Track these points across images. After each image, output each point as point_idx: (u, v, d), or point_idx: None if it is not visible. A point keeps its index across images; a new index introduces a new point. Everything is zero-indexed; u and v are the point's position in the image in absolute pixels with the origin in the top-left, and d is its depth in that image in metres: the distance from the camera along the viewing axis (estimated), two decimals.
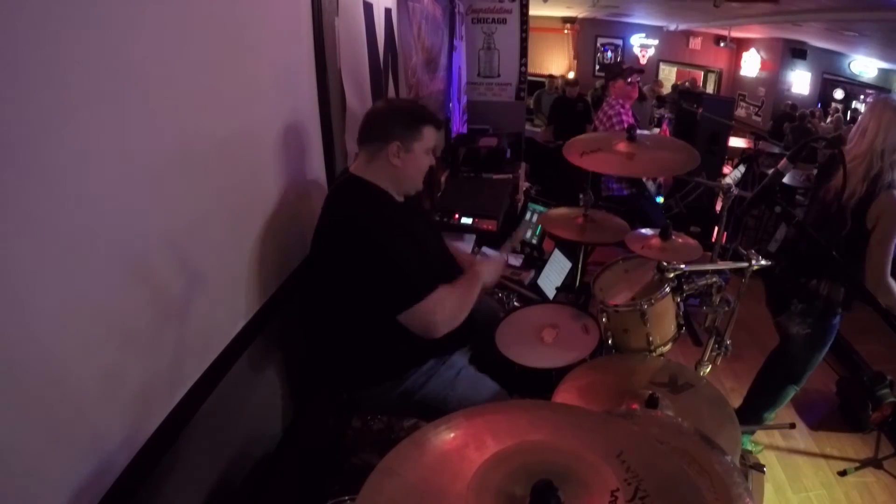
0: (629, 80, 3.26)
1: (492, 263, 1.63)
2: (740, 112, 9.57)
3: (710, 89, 10.39)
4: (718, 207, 3.81)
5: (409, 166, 1.44)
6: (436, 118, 1.48)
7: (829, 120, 7.58)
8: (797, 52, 8.59)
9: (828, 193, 1.83)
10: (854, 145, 1.74)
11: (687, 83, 9.64)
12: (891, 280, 1.72)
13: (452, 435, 0.77)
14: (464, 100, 4.77)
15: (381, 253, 1.33)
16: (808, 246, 1.86)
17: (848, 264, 1.70)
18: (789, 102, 8.46)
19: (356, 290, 1.37)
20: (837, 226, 1.75)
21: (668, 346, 1.61)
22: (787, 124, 7.23)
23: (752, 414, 2.22)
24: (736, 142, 5.82)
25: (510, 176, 3.47)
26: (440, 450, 0.75)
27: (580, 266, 2.33)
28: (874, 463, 2.22)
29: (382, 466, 0.71)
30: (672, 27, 10.50)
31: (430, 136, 1.46)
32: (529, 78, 5.43)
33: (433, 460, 0.73)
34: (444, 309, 1.38)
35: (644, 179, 3.36)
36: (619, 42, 11.17)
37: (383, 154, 1.41)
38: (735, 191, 1.95)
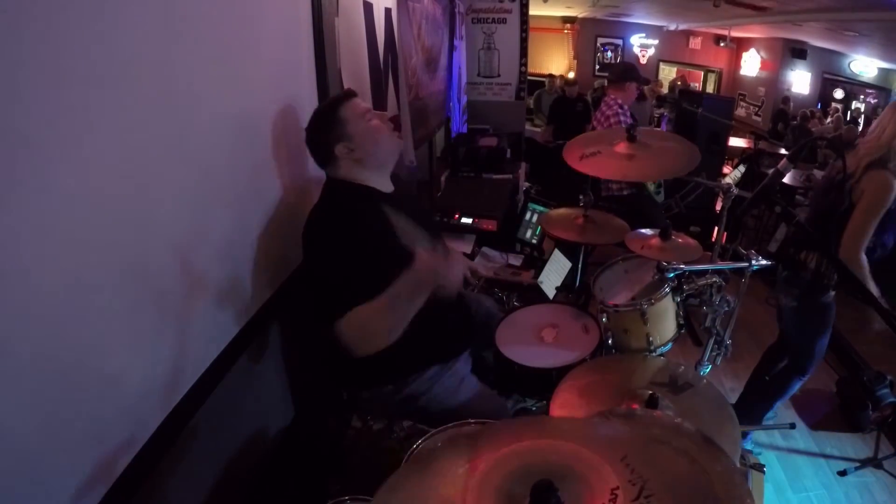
0: (639, 87, 3.30)
1: (431, 264, 1.23)
2: (740, 112, 9.56)
3: (710, 89, 10.38)
4: (718, 207, 3.81)
5: (364, 143, 1.38)
6: (340, 94, 1.44)
7: (828, 120, 7.58)
8: (797, 51, 8.58)
9: (832, 170, 1.96)
10: (872, 139, 1.80)
11: (679, 81, 9.62)
12: (864, 255, 1.76)
13: (457, 460, 0.77)
14: (464, 99, 4.77)
15: (333, 256, 1.29)
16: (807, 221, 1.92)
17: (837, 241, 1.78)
18: (784, 96, 8.45)
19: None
20: (836, 200, 1.82)
21: (668, 346, 1.61)
22: (782, 124, 7.23)
23: (749, 413, 2.21)
24: (736, 142, 5.83)
25: (510, 176, 3.47)
26: (442, 470, 0.75)
27: (580, 266, 2.33)
28: (874, 463, 2.22)
29: (388, 485, 0.73)
30: (672, 27, 10.49)
31: (350, 109, 1.38)
32: (529, 78, 5.43)
33: (435, 474, 0.74)
34: (358, 329, 1.21)
35: None
36: (619, 42, 11.16)
37: (342, 162, 1.38)
38: (735, 191, 1.95)
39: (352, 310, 1.19)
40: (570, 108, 5.51)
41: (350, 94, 1.44)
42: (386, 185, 1.48)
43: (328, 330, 1.23)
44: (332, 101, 1.43)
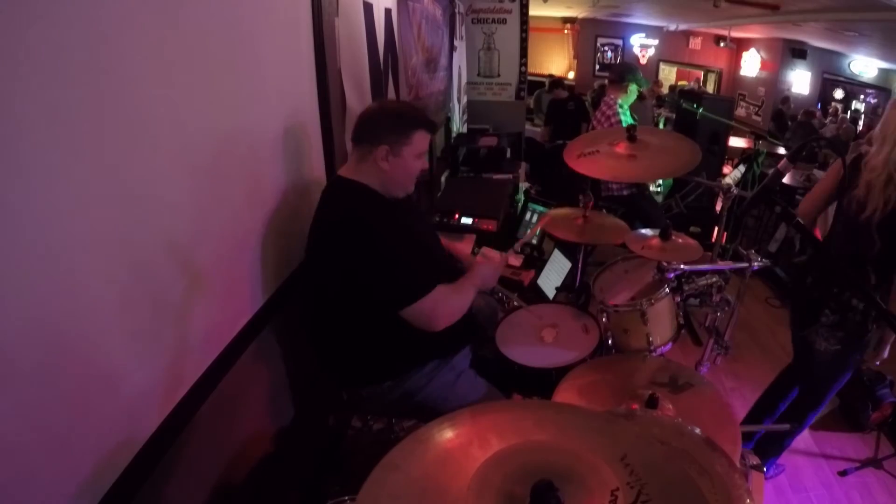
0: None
1: (490, 266, 1.60)
2: (740, 112, 9.57)
3: (710, 89, 10.39)
4: (718, 207, 3.81)
5: (397, 170, 1.42)
6: (428, 121, 1.46)
7: (828, 120, 7.58)
8: (797, 52, 8.59)
9: (850, 204, 1.62)
10: (873, 154, 1.56)
11: (692, 84, 9.64)
12: None
13: (457, 432, 0.77)
14: (464, 100, 4.77)
15: (384, 249, 1.33)
16: (839, 256, 1.71)
17: (879, 285, 1.60)
18: (784, 96, 8.47)
19: (359, 287, 1.37)
20: (866, 242, 1.57)
21: (668, 346, 1.61)
22: (791, 123, 7.24)
23: (776, 443, 2.06)
24: (736, 142, 5.82)
25: (510, 176, 3.47)
26: (444, 447, 0.75)
27: (580, 266, 2.33)
28: (874, 463, 2.22)
29: (386, 461, 0.71)
30: (672, 27, 10.50)
31: (420, 141, 1.43)
32: (529, 78, 5.44)
33: (436, 457, 0.73)
34: (445, 307, 1.40)
35: None
36: (619, 42, 11.17)
37: (371, 157, 1.40)
38: (735, 191, 1.95)
39: (435, 288, 1.37)
40: (562, 108, 5.51)
41: (434, 130, 1.51)
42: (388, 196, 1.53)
43: (385, 316, 1.36)
44: (420, 117, 1.45)
